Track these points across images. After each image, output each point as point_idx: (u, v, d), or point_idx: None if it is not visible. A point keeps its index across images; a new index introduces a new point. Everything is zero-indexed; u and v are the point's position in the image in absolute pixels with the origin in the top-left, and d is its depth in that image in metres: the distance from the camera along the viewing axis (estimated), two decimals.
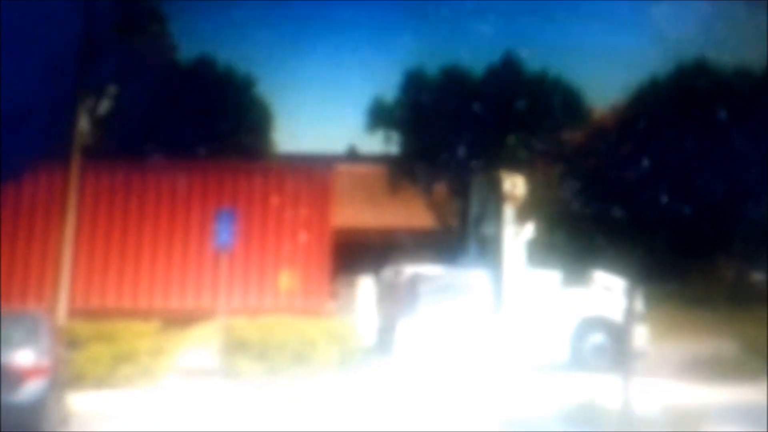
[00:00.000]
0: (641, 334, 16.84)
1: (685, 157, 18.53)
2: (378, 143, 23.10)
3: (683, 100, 19.62)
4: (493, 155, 20.91)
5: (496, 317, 17.38)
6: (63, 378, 11.57)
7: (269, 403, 13.59)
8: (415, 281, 17.57)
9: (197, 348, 16.41)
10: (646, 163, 18.68)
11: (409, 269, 17.93)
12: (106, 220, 17.42)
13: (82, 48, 16.70)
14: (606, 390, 12.32)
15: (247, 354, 15.53)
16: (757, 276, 21.78)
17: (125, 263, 17.26)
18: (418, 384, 15.17)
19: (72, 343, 14.40)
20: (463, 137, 21.99)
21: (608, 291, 17.55)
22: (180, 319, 16.54)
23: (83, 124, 17.69)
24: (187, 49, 22.65)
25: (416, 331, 17.02)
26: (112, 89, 21.52)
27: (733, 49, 20.88)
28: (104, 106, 21.49)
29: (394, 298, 17.75)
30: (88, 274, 16.95)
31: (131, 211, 17.53)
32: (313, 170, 18.58)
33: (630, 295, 17.03)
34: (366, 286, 18.03)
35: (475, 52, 22.89)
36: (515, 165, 19.52)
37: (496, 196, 18.46)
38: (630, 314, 17.02)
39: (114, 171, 17.78)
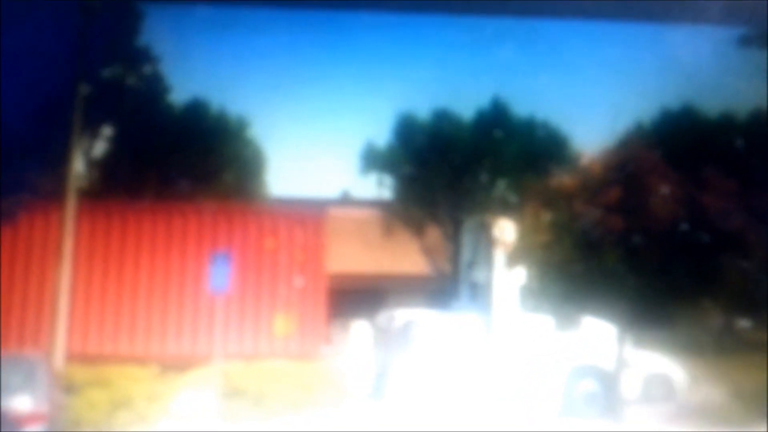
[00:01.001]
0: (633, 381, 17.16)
1: (670, 205, 18.85)
2: (371, 187, 23.20)
3: (668, 146, 20.00)
4: (484, 200, 21.23)
5: (489, 362, 17.58)
6: (60, 424, 11.57)
7: None
8: (408, 327, 17.75)
9: (194, 393, 16.39)
10: (631, 209, 18.93)
11: (403, 314, 18.12)
12: (102, 263, 17.25)
13: (75, 88, 16.76)
14: None
15: (243, 401, 15.64)
16: (743, 323, 22.20)
17: (121, 307, 17.10)
18: (409, 428, 15.35)
19: (69, 388, 14.46)
20: (454, 181, 22.27)
21: (599, 337, 17.82)
22: (177, 365, 16.50)
23: (78, 165, 17.65)
24: (181, 90, 22.72)
25: (410, 375, 17.19)
26: (107, 130, 21.54)
27: (725, 93, 21.23)
28: (99, 147, 21.50)
29: (388, 343, 17.91)
30: (85, 318, 16.77)
31: (127, 254, 17.38)
32: (307, 214, 18.59)
33: (620, 341, 17.36)
34: (360, 330, 18.21)
35: (466, 95, 23.11)
36: (505, 210, 19.84)
37: (486, 241, 18.72)
38: (620, 361, 17.37)
39: (109, 213, 17.63)
